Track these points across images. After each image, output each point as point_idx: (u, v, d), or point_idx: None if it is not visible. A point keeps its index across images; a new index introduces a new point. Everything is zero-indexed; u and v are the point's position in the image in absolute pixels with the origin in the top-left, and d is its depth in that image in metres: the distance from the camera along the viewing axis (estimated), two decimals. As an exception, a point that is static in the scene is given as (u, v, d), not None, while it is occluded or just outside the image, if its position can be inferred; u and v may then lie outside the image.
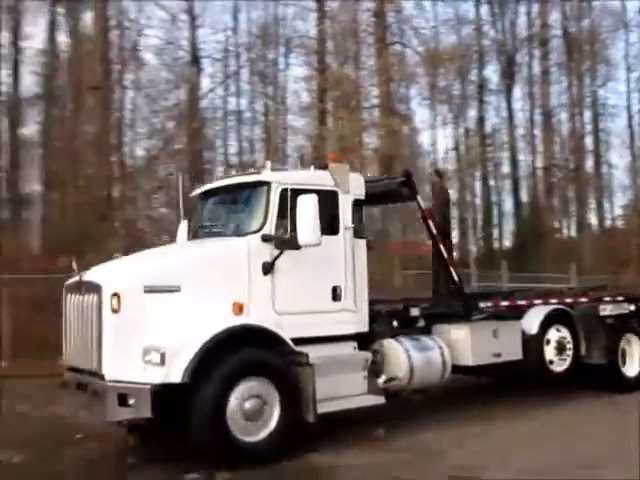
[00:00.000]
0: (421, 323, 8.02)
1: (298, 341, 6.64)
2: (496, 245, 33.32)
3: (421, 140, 33.39)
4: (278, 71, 28.59)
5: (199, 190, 8.12)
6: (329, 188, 7.21)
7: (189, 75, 26.08)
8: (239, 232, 6.99)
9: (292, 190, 6.69)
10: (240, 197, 7.53)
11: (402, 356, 7.37)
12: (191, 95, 26.28)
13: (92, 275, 6.67)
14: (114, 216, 22.75)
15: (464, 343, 7.97)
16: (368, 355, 7.24)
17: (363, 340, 7.33)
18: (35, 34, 25.97)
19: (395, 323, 7.79)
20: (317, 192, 6.86)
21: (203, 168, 25.50)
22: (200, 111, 26.63)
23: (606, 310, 9.68)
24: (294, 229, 6.62)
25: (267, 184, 6.88)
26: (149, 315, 6.27)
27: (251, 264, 6.64)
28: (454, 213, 34.19)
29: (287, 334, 6.58)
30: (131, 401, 5.90)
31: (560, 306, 9.26)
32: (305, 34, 26.88)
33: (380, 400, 7.11)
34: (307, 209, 6.54)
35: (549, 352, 8.76)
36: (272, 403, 6.35)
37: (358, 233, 7.39)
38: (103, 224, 21.17)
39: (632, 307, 10.11)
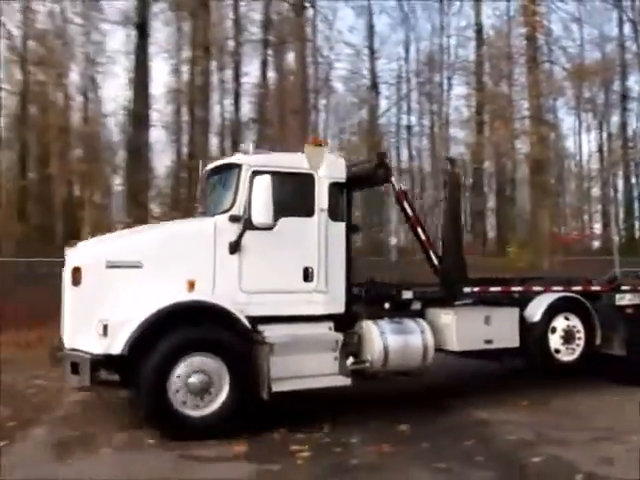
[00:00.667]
0: (417, 306, 7.47)
1: (269, 319, 6.43)
2: (638, 235, 34.21)
3: (567, 145, 35.70)
4: (442, 91, 31.65)
5: (202, 172, 7.90)
6: (304, 171, 6.76)
7: (369, 98, 30.34)
8: (214, 212, 6.76)
9: (263, 172, 6.46)
10: (220, 179, 7.26)
11: (376, 339, 6.78)
12: (371, 115, 30.49)
13: (71, 251, 6.75)
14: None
15: (450, 328, 7.28)
16: (339, 336, 6.73)
17: (344, 321, 6.90)
18: (250, 71, 31.37)
19: (387, 305, 7.29)
20: (291, 175, 6.76)
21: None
22: (378, 127, 30.72)
23: (624, 299, 8.47)
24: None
25: (238, 166, 6.63)
26: (109, 289, 6.12)
27: (217, 243, 6.40)
28: (597, 206, 35.94)
29: (255, 312, 6.36)
30: (79, 369, 5.87)
31: (570, 294, 8.19)
32: (465, 59, 30.19)
33: (346, 382, 6.58)
34: (261, 190, 6.33)
35: (554, 341, 7.83)
36: (221, 379, 6.08)
37: (335, 216, 6.88)
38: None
39: None
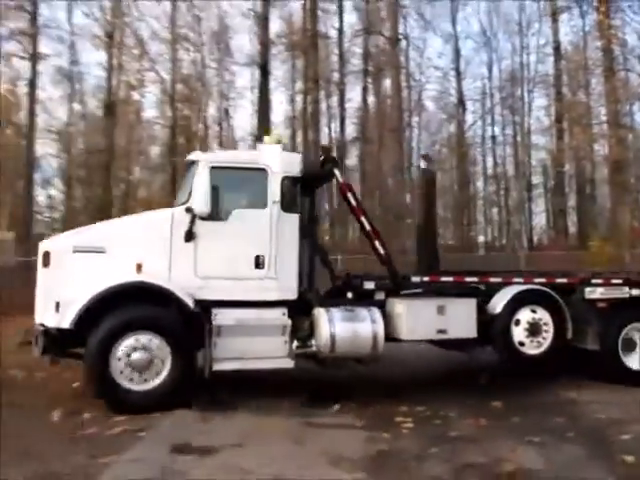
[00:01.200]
0: (380, 296, 6.73)
1: (226, 303, 6.05)
2: None
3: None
4: (524, 103, 30.05)
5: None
6: (257, 166, 6.38)
7: (457, 114, 29.60)
8: (177, 204, 6.45)
9: (218, 168, 6.22)
10: (186, 174, 6.88)
11: (324, 325, 6.19)
12: (459, 128, 29.87)
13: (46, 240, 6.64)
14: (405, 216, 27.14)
15: (401, 317, 6.48)
16: (286, 321, 6.19)
17: (298, 308, 6.36)
18: (353, 97, 31.43)
19: (350, 295, 6.70)
20: (246, 169, 6.41)
21: (468, 180, 29.21)
22: (465, 139, 30.06)
23: (595, 293, 7.10)
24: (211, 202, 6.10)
25: (196, 162, 6.31)
26: (74, 271, 5.90)
27: (174, 232, 6.09)
28: None
29: (210, 296, 6.03)
30: (37, 341, 5.78)
31: (537, 286, 6.95)
32: (545, 73, 28.44)
33: (289, 364, 6.12)
34: (200, 181, 6.07)
35: (518, 333, 6.67)
36: (163, 356, 5.76)
37: (288, 207, 6.38)
38: (400, 221, 24.97)
39: (636, 292, 7.21)
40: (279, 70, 29.86)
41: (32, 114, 24.58)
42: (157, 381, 5.77)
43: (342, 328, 6.21)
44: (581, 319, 7.00)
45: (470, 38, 34.85)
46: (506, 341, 6.71)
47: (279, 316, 6.25)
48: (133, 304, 5.78)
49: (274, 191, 6.35)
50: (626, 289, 7.22)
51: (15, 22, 23.27)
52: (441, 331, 6.55)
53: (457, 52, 31.04)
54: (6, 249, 22.88)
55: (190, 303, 5.89)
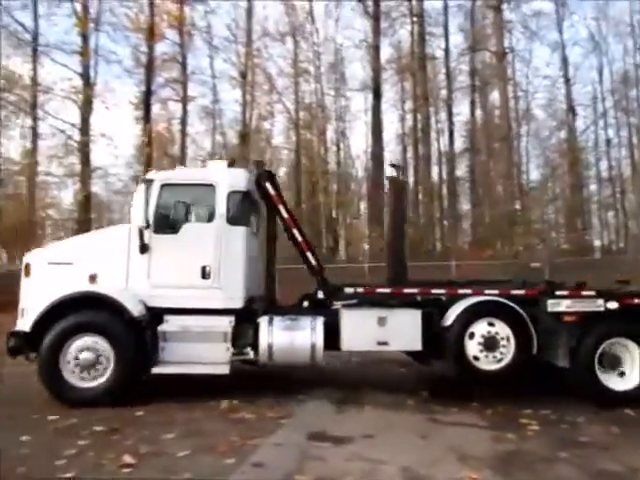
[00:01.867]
0: (337, 305, 6.24)
1: (178, 311, 5.97)
2: None
3: None
4: (639, 104, 27.32)
5: None
6: (206, 182, 6.25)
7: (567, 120, 27.38)
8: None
9: (170, 185, 6.22)
10: (143, 192, 6.44)
11: (263, 334, 5.93)
12: (569, 134, 27.59)
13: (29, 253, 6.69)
14: (517, 221, 25.65)
15: (340, 327, 6.00)
16: (227, 329, 5.94)
17: (245, 316, 6.10)
18: (460, 111, 30.81)
19: (306, 303, 6.35)
20: (195, 186, 6.30)
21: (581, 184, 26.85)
22: (576, 144, 27.60)
23: (560, 306, 6.00)
24: (163, 217, 6.12)
25: (151, 181, 6.21)
26: (47, 281, 6.03)
27: (131, 245, 6.09)
28: None
29: (162, 304, 5.97)
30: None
31: (495, 298, 6.05)
32: None
33: (225, 370, 5.81)
34: (138, 197, 6.16)
35: (472, 347, 5.87)
36: (108, 357, 5.74)
37: (233, 220, 6.18)
38: (512, 227, 23.54)
39: (612, 305, 5.99)
40: (389, 92, 29.86)
41: (183, 147, 26.93)
42: (102, 379, 5.74)
43: (280, 337, 5.94)
44: (548, 333, 5.96)
45: (578, 45, 32.13)
46: (458, 355, 5.89)
47: (222, 324, 5.99)
48: (85, 310, 5.81)
49: (220, 205, 6.19)
50: (600, 302, 6.00)
51: (169, 72, 25.76)
52: (382, 343, 5.96)
53: (565, 60, 28.82)
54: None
55: (133, 310, 5.80)
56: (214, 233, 6.13)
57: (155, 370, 5.78)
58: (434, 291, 6.24)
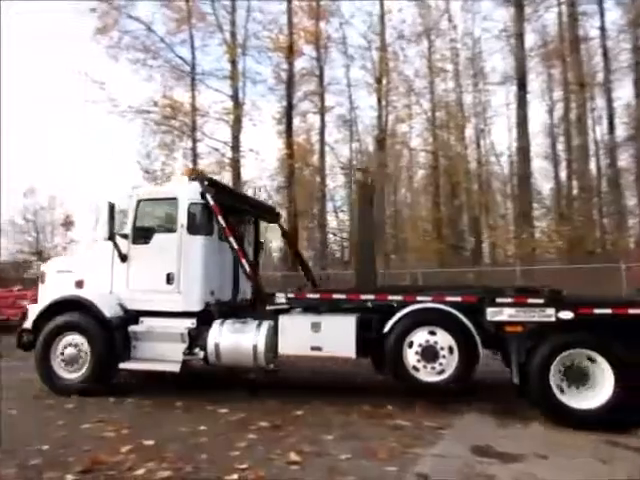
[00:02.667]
0: (298, 309, 6.28)
1: (148, 313, 6.59)
2: None
3: None
4: None
5: None
6: (171, 196, 6.79)
7: None
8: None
9: (145, 200, 6.89)
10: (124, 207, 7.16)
11: (211, 335, 6.24)
12: None
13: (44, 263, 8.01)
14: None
15: (278, 332, 6.06)
16: (183, 330, 6.38)
17: (204, 318, 6.47)
18: (620, 95, 27.60)
19: (268, 307, 6.35)
20: (164, 200, 6.91)
21: None
22: None
23: (502, 315, 5.37)
24: (139, 229, 6.81)
25: (131, 196, 6.94)
26: (55, 286, 7.02)
27: (115, 255, 6.80)
28: None
29: (138, 306, 6.62)
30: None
31: (437, 305, 5.62)
32: None
33: (175, 368, 6.24)
34: (101, 212, 6.79)
35: (411, 357, 5.55)
36: (86, 353, 6.51)
37: (192, 230, 6.60)
38: None
39: (565, 315, 5.20)
40: (533, 82, 27.67)
41: (322, 156, 27.86)
42: (82, 371, 6.51)
43: (226, 339, 6.23)
44: (495, 345, 5.56)
45: None
46: (397, 364, 5.63)
47: (180, 325, 6.46)
48: (72, 312, 6.65)
49: (182, 217, 6.66)
50: (550, 311, 5.27)
51: (307, 86, 26.92)
52: (315, 348, 5.90)
53: None
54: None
55: (107, 312, 6.54)
56: (177, 242, 6.65)
57: (121, 365, 6.48)
58: (363, 297, 6.07)
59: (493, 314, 5.48)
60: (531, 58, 24.77)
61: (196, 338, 6.40)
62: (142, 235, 6.81)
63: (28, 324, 6.88)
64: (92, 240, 7.54)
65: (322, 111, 27.18)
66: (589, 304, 5.28)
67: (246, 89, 24.57)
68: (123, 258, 6.81)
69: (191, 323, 6.49)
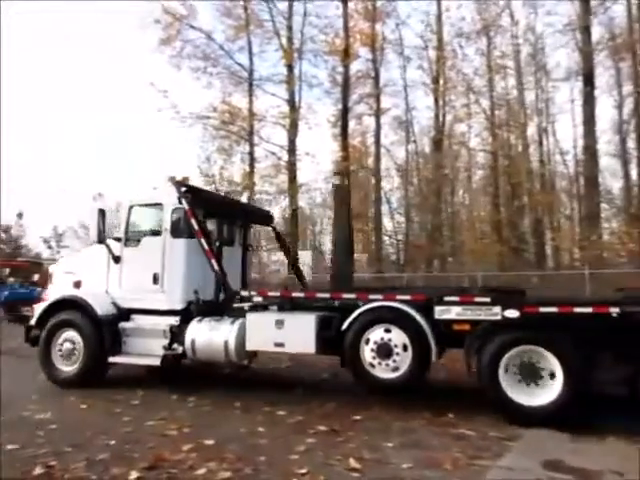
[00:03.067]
0: (274, 308, 6.45)
1: (138, 311, 7.02)
2: None
3: None
4: None
5: None
6: (158, 202, 7.17)
7: None
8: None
9: (137, 206, 7.31)
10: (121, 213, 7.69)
11: (188, 332, 6.56)
12: None
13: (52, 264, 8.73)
14: None
15: (246, 329, 6.29)
16: (165, 327, 6.73)
17: (186, 316, 6.77)
18: None
19: (246, 306, 6.52)
20: (152, 205, 7.30)
21: None
22: None
23: (449, 313, 5.48)
24: (131, 232, 7.27)
25: (125, 202, 7.40)
26: (60, 286, 7.52)
27: (110, 257, 7.23)
28: None
29: (130, 305, 7.05)
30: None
31: (392, 303, 5.71)
32: None
33: (156, 362, 6.62)
34: (91, 217, 7.19)
35: (367, 354, 5.69)
36: (80, 348, 6.95)
37: (175, 234, 6.98)
38: None
39: (511, 313, 5.23)
40: (600, 77, 26.08)
41: (378, 158, 27.59)
42: (77, 365, 6.96)
43: (201, 336, 6.50)
44: (452, 343, 5.67)
45: None
46: (354, 361, 5.79)
47: (164, 322, 6.80)
48: (69, 310, 7.11)
49: (166, 221, 7.05)
50: (496, 309, 5.35)
51: (363, 88, 26.73)
52: (278, 344, 6.10)
53: None
54: (362, 266, 26.39)
55: (98, 310, 6.96)
56: (162, 245, 7.02)
57: (110, 359, 6.91)
58: (319, 295, 6.37)
59: (441, 312, 5.60)
60: (598, 52, 23.38)
61: (177, 334, 6.73)
62: (133, 238, 7.29)
63: (33, 321, 7.43)
64: (90, 243, 7.91)
65: (378, 113, 26.91)
66: (535, 303, 5.39)
67: (302, 93, 24.68)
68: (116, 260, 7.27)
69: (174, 320, 6.82)
